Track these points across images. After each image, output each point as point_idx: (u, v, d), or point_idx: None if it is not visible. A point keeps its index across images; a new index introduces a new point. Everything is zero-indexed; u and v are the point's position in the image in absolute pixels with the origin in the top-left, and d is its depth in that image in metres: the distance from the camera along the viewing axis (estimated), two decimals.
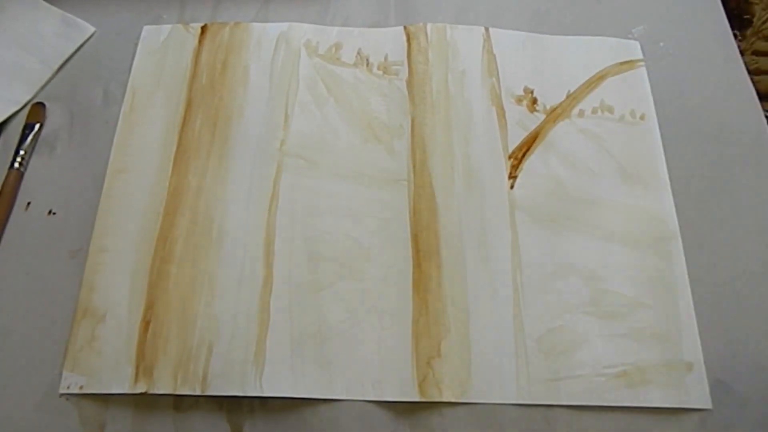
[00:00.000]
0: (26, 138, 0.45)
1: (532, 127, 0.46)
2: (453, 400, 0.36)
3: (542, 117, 0.46)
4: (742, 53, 0.51)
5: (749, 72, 0.49)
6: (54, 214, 0.43)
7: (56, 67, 0.49)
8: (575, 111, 0.46)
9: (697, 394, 0.37)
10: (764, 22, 0.73)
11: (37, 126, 0.46)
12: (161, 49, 0.49)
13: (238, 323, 0.38)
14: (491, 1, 0.52)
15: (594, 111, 0.46)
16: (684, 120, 0.47)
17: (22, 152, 0.44)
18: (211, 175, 0.43)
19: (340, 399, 0.37)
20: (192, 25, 0.50)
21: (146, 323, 0.38)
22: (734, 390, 0.37)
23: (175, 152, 0.44)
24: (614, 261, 0.41)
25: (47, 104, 0.47)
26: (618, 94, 0.47)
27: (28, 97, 0.47)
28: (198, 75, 0.48)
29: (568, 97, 0.47)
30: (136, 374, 0.37)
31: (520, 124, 0.46)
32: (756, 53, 0.73)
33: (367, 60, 0.48)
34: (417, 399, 0.36)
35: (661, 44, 0.50)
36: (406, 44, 0.49)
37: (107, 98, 0.47)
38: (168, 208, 0.42)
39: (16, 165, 0.44)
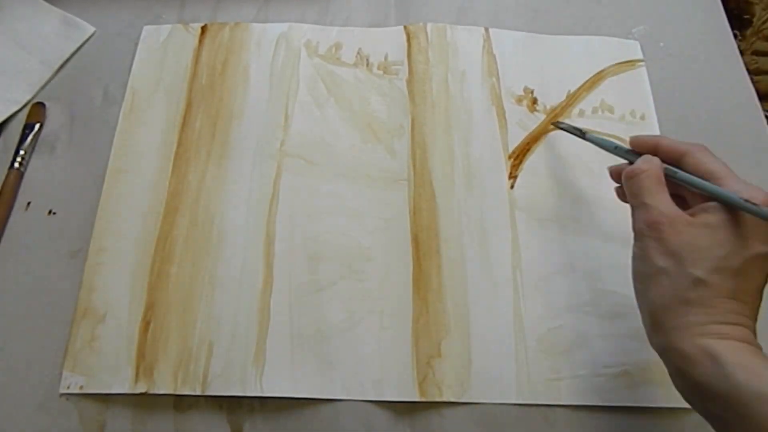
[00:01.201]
0: (26, 138, 0.45)
1: (533, 127, 0.46)
2: (453, 400, 0.36)
3: (542, 117, 0.46)
4: (741, 53, 0.51)
5: (749, 72, 0.49)
6: (54, 214, 0.43)
7: (56, 67, 0.49)
8: (575, 111, 0.46)
9: None
10: (764, 22, 0.73)
11: (37, 126, 0.46)
12: (161, 49, 0.49)
13: (238, 323, 0.38)
14: (491, 1, 0.52)
15: (594, 111, 0.46)
16: (684, 120, 0.47)
17: (22, 152, 0.44)
18: (211, 176, 0.43)
19: (340, 399, 0.37)
20: (192, 25, 0.50)
21: (146, 323, 0.38)
22: None
23: (175, 152, 0.44)
24: (614, 260, 0.41)
25: (47, 104, 0.47)
26: (618, 94, 0.47)
27: (28, 97, 0.47)
28: (198, 75, 0.48)
29: (568, 96, 0.47)
30: (137, 374, 0.37)
31: (521, 124, 0.46)
32: (756, 53, 0.73)
33: (367, 60, 0.48)
34: (417, 399, 0.36)
35: (662, 44, 0.50)
36: (406, 44, 0.49)
37: (107, 98, 0.47)
38: (168, 209, 0.42)
39: (16, 165, 0.44)
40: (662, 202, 0.30)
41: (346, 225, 0.42)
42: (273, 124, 0.45)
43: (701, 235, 0.29)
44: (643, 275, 0.30)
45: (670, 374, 0.29)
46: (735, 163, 0.45)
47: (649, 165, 0.32)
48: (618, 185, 0.37)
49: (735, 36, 0.52)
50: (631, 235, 0.41)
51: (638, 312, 0.39)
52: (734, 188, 0.29)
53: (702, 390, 0.27)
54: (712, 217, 0.29)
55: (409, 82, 0.47)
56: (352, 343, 0.38)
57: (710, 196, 0.30)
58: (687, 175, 0.31)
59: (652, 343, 0.30)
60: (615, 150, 0.37)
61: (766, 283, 0.29)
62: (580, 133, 0.40)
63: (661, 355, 0.29)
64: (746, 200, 0.28)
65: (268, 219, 0.42)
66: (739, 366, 0.26)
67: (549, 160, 0.44)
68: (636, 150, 0.35)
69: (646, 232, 0.30)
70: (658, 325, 0.29)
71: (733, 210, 0.29)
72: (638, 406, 0.37)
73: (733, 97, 0.48)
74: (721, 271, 0.28)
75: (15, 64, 0.48)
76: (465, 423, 0.36)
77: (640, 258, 0.31)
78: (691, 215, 0.30)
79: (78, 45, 0.50)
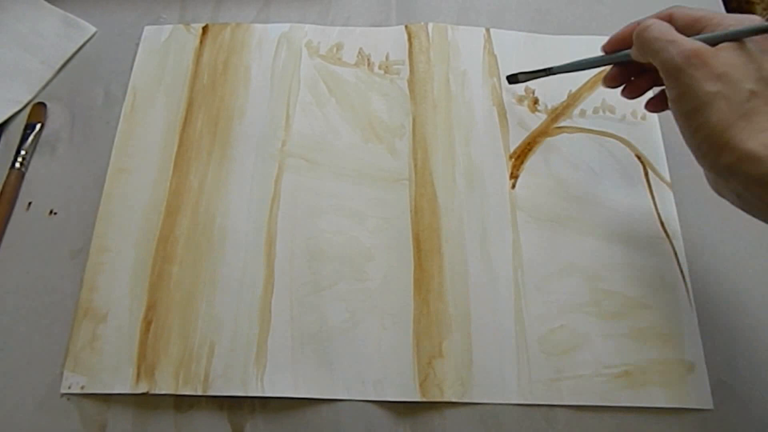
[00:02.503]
0: (27, 138, 0.45)
1: (534, 126, 0.46)
2: (454, 400, 0.36)
3: (543, 117, 0.46)
4: None
5: None
6: (55, 214, 0.43)
7: (57, 67, 0.49)
8: (576, 111, 0.46)
9: (699, 395, 0.37)
10: None
11: (38, 126, 0.46)
12: (162, 50, 0.49)
13: (239, 323, 0.38)
14: (492, 0, 0.52)
15: (595, 111, 0.46)
16: None
17: (23, 152, 0.44)
18: (212, 176, 0.43)
19: (341, 399, 0.37)
20: (193, 25, 0.50)
21: (147, 323, 0.38)
22: (736, 390, 0.37)
23: (176, 152, 0.44)
24: (615, 261, 0.41)
25: (48, 104, 0.47)
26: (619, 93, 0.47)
27: (29, 97, 0.47)
28: (199, 75, 0.48)
29: (569, 96, 0.47)
30: (138, 374, 0.37)
31: (522, 123, 0.46)
32: None
33: (368, 59, 0.48)
34: (418, 399, 0.36)
35: None
36: (407, 43, 0.49)
37: (108, 98, 0.47)
38: (169, 208, 0.42)
39: (17, 165, 0.44)
40: (686, 38, 0.32)
41: (347, 225, 0.42)
42: (274, 124, 0.45)
43: (736, 54, 0.31)
44: (691, 109, 0.31)
45: (739, 197, 0.31)
46: None
47: (655, 18, 0.35)
48: (610, 66, 0.40)
49: None
50: (632, 235, 0.42)
51: (638, 312, 0.39)
52: (742, 21, 0.32)
53: None
54: (732, 45, 0.31)
55: (410, 81, 0.47)
56: (353, 343, 0.38)
57: (727, 38, 0.32)
58: (697, 37, 0.33)
59: (716, 168, 0.31)
60: (593, 62, 0.40)
61: None
62: (546, 72, 0.41)
63: (728, 175, 0.30)
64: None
65: (269, 219, 0.42)
66: None
67: (550, 160, 0.44)
68: (614, 49, 0.39)
69: (685, 65, 0.31)
70: (722, 145, 0.30)
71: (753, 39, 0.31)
72: (639, 406, 0.37)
73: None
74: (763, 81, 0.30)
75: (16, 65, 0.48)
76: (466, 423, 0.36)
77: (682, 95, 0.31)
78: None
79: (79, 45, 0.50)
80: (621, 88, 0.40)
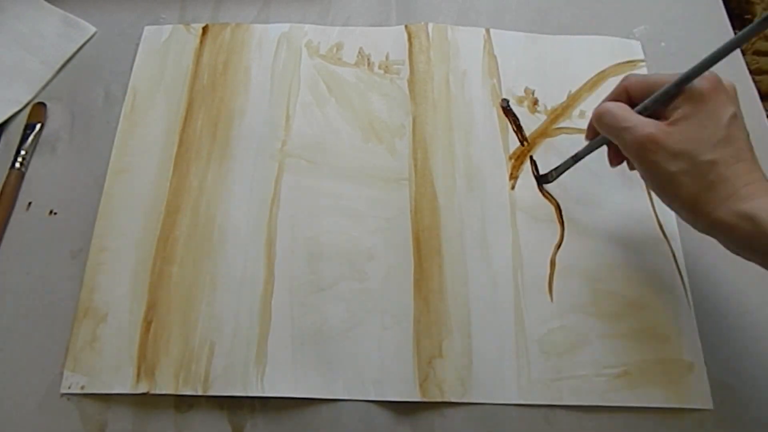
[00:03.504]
0: (27, 138, 0.45)
1: (534, 127, 0.46)
2: (454, 400, 0.36)
3: (543, 117, 0.46)
4: (743, 53, 0.51)
5: (750, 72, 0.49)
6: (55, 214, 0.43)
7: (57, 67, 0.49)
8: (576, 111, 0.46)
9: (698, 394, 0.37)
10: None
11: (38, 126, 0.46)
12: (162, 50, 0.49)
13: (239, 323, 0.38)
14: (492, 0, 0.52)
15: None
16: None
17: (23, 152, 0.44)
18: (212, 176, 0.43)
19: (341, 399, 0.37)
20: (193, 25, 0.50)
21: (148, 323, 0.38)
22: (735, 390, 0.37)
23: (176, 152, 0.44)
24: (614, 261, 0.41)
25: (48, 104, 0.47)
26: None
27: (29, 97, 0.47)
28: (199, 75, 0.48)
29: (569, 97, 0.47)
30: (138, 374, 0.37)
31: (522, 124, 0.46)
32: (757, 53, 0.73)
33: (368, 59, 0.48)
34: (418, 399, 0.36)
35: (663, 44, 0.50)
36: (407, 43, 0.49)
37: (108, 98, 0.47)
38: (169, 208, 0.42)
39: (17, 165, 0.44)
40: (640, 119, 0.33)
41: (347, 225, 0.42)
42: (274, 124, 0.45)
43: (688, 126, 0.31)
44: (661, 186, 0.33)
45: (725, 246, 0.32)
46: None
47: (613, 102, 0.35)
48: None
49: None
50: (631, 236, 0.42)
51: (638, 312, 0.39)
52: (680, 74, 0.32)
53: (755, 249, 0.30)
54: (682, 109, 0.32)
55: (410, 81, 0.47)
56: (354, 343, 0.38)
57: (667, 96, 0.32)
58: (646, 101, 0.34)
59: (698, 230, 0.32)
60: (594, 145, 0.39)
61: (747, 134, 0.32)
62: (574, 160, 0.41)
63: (710, 234, 0.32)
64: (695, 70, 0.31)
65: (269, 219, 0.42)
66: None
67: (549, 161, 0.44)
68: (592, 134, 0.39)
69: (642, 150, 0.32)
70: (696, 214, 0.31)
71: (694, 97, 0.31)
72: (638, 406, 0.37)
73: None
74: (718, 145, 0.31)
75: (16, 65, 0.48)
76: (466, 423, 0.36)
77: (648, 176, 0.33)
78: (666, 119, 0.32)
79: (79, 45, 0.50)
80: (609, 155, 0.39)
